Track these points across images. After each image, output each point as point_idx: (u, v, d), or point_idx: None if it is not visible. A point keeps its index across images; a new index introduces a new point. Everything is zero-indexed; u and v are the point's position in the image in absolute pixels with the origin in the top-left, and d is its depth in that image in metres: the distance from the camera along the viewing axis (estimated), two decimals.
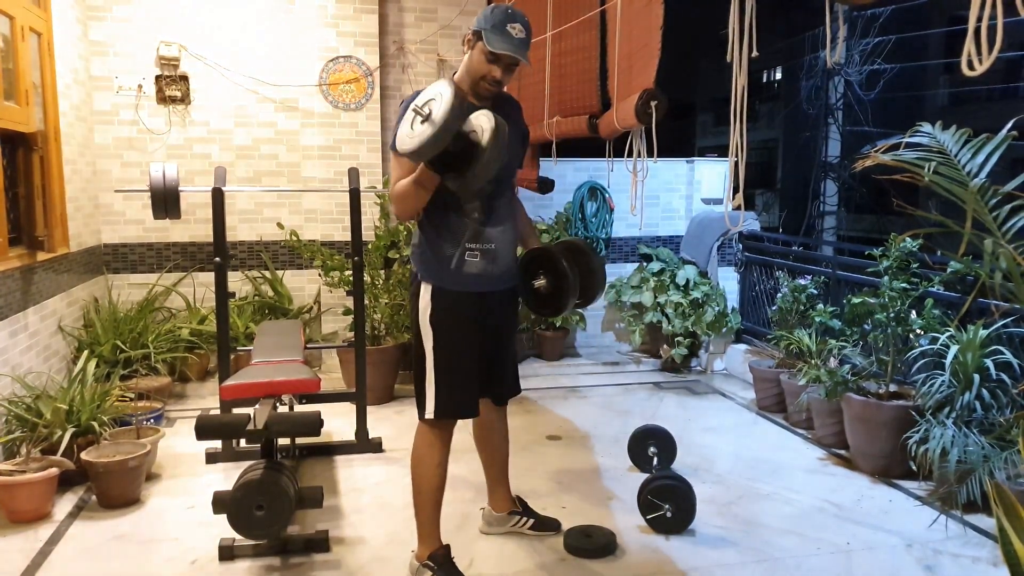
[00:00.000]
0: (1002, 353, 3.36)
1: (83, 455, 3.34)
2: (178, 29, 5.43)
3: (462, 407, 2.68)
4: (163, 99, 5.47)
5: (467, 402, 2.69)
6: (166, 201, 3.70)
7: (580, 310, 5.98)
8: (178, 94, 5.49)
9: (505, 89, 2.77)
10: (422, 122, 2.29)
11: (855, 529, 3.23)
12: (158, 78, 5.44)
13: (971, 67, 1.73)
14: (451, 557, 2.73)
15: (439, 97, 2.30)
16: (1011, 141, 2.28)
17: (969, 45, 1.72)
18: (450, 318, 2.63)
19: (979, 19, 1.71)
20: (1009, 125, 2.32)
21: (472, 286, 2.64)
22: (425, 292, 2.64)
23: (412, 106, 2.34)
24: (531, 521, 3.12)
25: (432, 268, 2.63)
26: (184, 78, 5.49)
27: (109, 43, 5.36)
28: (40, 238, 4.19)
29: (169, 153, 5.49)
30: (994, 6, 1.69)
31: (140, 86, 5.41)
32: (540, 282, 2.75)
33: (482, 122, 2.35)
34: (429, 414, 2.63)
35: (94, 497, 3.38)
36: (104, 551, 2.98)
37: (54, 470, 3.25)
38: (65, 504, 3.36)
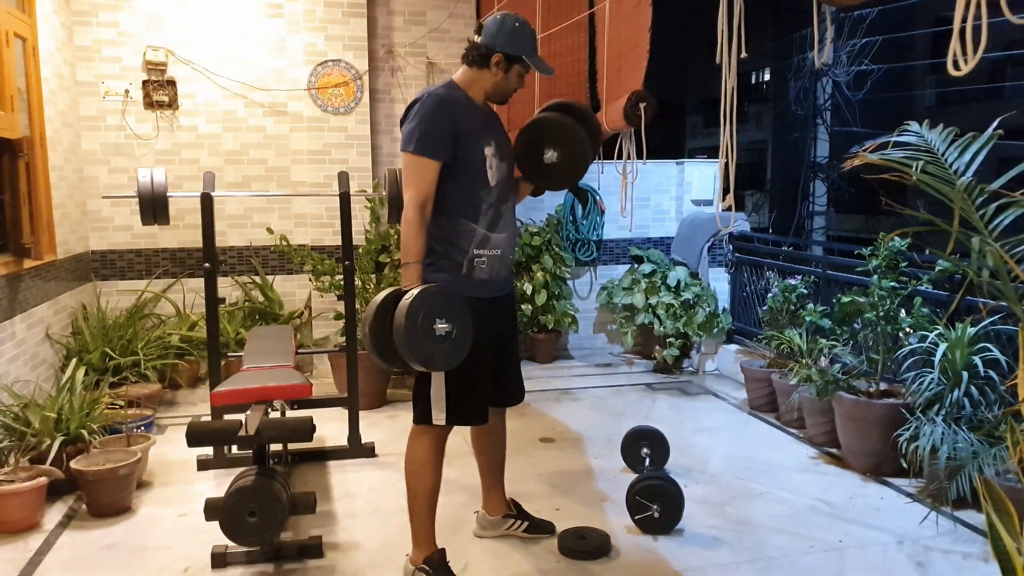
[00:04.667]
0: (990, 350, 3.39)
1: (73, 464, 3.31)
2: (165, 34, 5.41)
3: (473, 414, 2.69)
4: (150, 104, 5.45)
5: (477, 409, 2.70)
6: (154, 207, 3.68)
7: (572, 313, 5.99)
8: (166, 99, 5.46)
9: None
10: (442, 338, 2.37)
11: (847, 527, 3.24)
12: (145, 83, 5.42)
13: (956, 67, 1.75)
14: (446, 561, 2.73)
15: (464, 325, 2.42)
16: (997, 140, 2.29)
17: (954, 45, 1.74)
18: None
19: (964, 20, 1.72)
20: (995, 124, 2.34)
21: (482, 292, 2.66)
22: None
23: (433, 310, 2.35)
24: (525, 524, 3.12)
25: (441, 276, 2.62)
26: (172, 83, 5.46)
27: (95, 48, 5.33)
28: (27, 245, 4.16)
29: (157, 158, 5.47)
30: (978, 7, 1.70)
31: (127, 91, 5.39)
32: (550, 154, 2.77)
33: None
34: (439, 421, 2.63)
35: (84, 506, 3.36)
36: (95, 560, 2.96)
37: (43, 479, 3.22)
38: (55, 513, 3.33)
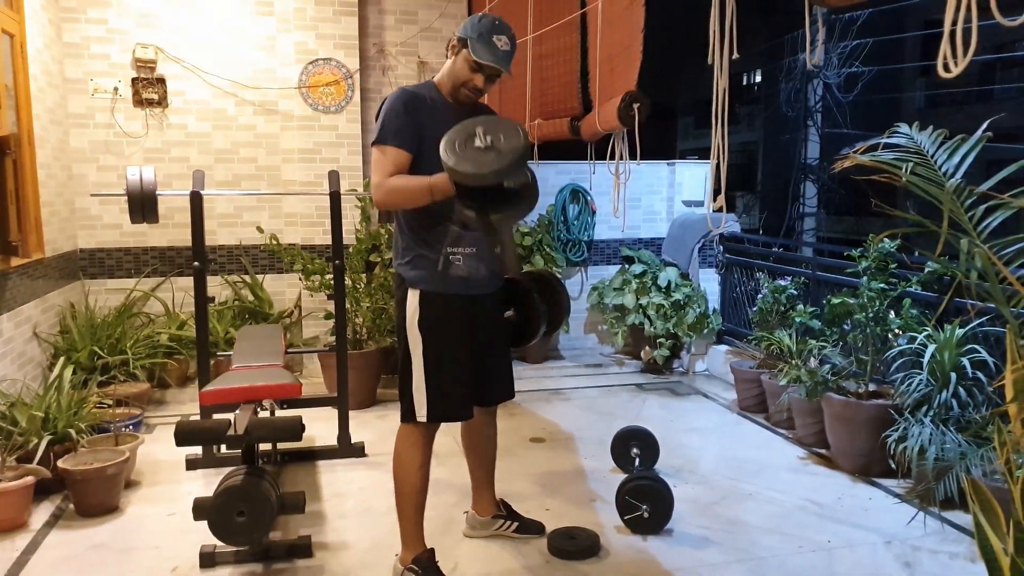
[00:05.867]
0: (978, 352, 3.41)
1: (60, 463, 3.29)
2: (155, 31, 5.38)
3: (453, 410, 2.68)
4: (140, 102, 5.41)
5: (458, 405, 2.68)
6: (143, 205, 3.66)
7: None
8: (155, 97, 5.43)
9: (485, 95, 2.78)
10: (484, 149, 2.30)
11: (836, 527, 3.25)
12: (134, 81, 5.39)
13: (946, 69, 1.76)
14: (435, 561, 2.72)
15: (509, 133, 2.34)
16: (986, 142, 2.30)
17: (944, 47, 1.75)
18: (439, 323, 2.62)
19: (954, 22, 1.73)
20: (984, 126, 2.35)
21: (460, 289, 2.64)
22: (413, 298, 2.62)
23: (470, 129, 2.34)
24: (515, 524, 3.11)
25: (419, 273, 2.62)
26: (161, 81, 5.43)
27: (84, 45, 5.29)
28: (14, 243, 4.13)
29: (146, 157, 5.43)
30: (968, 9, 1.71)
31: (116, 89, 5.35)
32: (509, 313, 2.83)
33: (528, 175, 2.43)
34: (421, 417, 2.62)
35: (71, 506, 3.33)
36: (82, 560, 2.94)
37: (30, 478, 3.19)
38: (42, 513, 3.30)
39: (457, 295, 2.63)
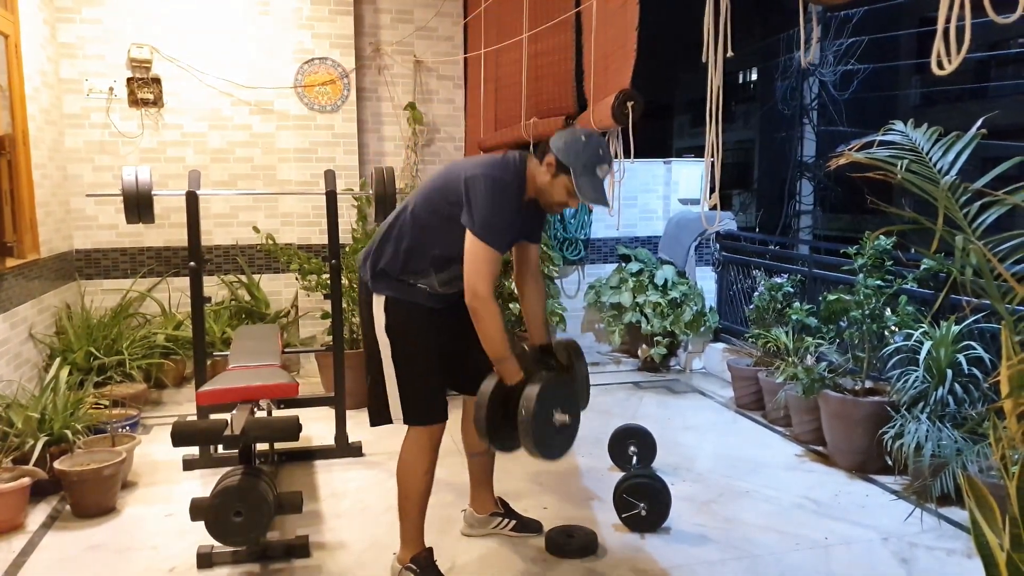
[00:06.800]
0: (973, 348, 3.42)
1: (56, 464, 3.28)
2: (150, 31, 5.37)
3: (430, 413, 2.66)
4: (135, 102, 5.40)
5: (434, 407, 2.67)
6: (139, 205, 3.65)
7: (560, 312, 6.00)
8: (151, 97, 5.42)
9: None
10: (558, 430, 2.46)
11: (833, 524, 3.26)
12: (130, 80, 5.37)
13: (940, 66, 1.76)
14: (433, 560, 2.72)
15: (577, 405, 2.57)
16: (980, 139, 2.31)
17: (938, 45, 1.75)
18: (406, 327, 2.62)
19: (948, 20, 1.73)
20: (978, 123, 2.35)
21: (425, 302, 2.65)
22: (378, 302, 2.63)
23: (549, 407, 2.42)
24: (513, 522, 3.11)
25: (384, 280, 2.63)
26: (157, 80, 5.42)
27: (79, 45, 5.28)
28: (9, 244, 4.12)
29: (142, 157, 5.42)
30: (962, 7, 1.72)
31: (111, 89, 5.34)
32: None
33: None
34: (397, 420, 2.65)
35: (68, 507, 3.33)
36: (79, 561, 2.93)
37: (26, 480, 3.19)
38: (38, 514, 3.29)
39: (421, 304, 2.64)
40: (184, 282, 4.98)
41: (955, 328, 3.45)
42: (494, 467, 3.12)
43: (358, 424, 4.40)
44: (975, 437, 3.17)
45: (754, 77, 21.60)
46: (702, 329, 5.65)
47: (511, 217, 2.52)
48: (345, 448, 4.01)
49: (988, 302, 2.26)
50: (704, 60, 2.62)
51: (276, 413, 3.70)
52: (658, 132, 22.35)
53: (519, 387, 2.46)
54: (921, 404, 3.43)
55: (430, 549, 2.74)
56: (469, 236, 2.44)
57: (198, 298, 3.77)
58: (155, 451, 3.99)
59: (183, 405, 4.85)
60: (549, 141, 2.54)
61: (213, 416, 3.34)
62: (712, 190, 2.83)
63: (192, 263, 3.74)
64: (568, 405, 2.48)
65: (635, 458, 3.64)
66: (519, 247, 2.80)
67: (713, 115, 2.68)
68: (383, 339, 2.63)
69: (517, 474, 3.76)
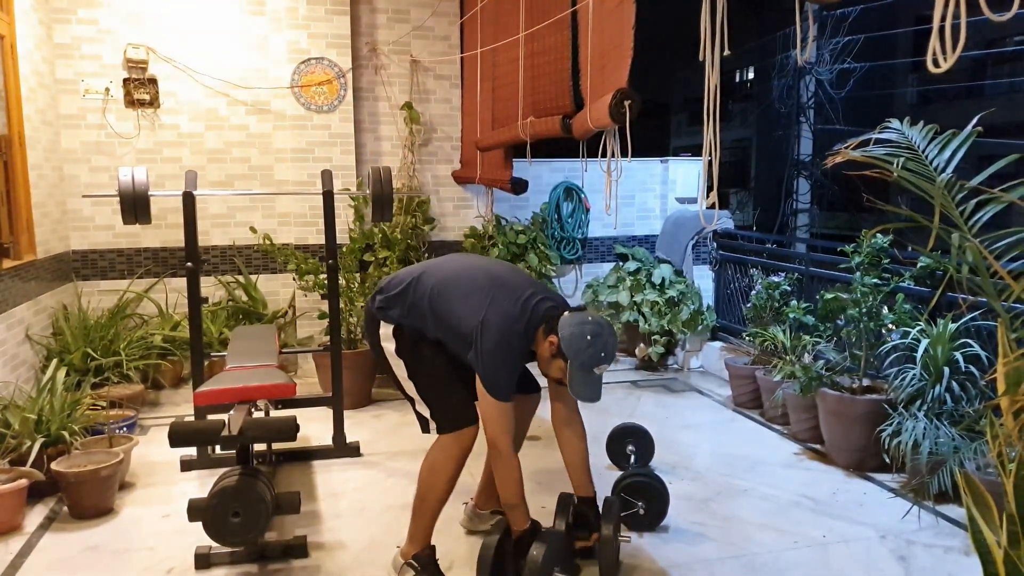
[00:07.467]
0: (970, 346, 3.42)
1: (53, 465, 3.28)
2: (146, 31, 5.36)
3: (456, 419, 2.69)
4: (131, 102, 5.39)
5: (459, 412, 2.70)
6: (136, 206, 3.64)
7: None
8: (147, 97, 5.41)
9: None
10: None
11: (831, 522, 3.27)
12: (126, 81, 5.36)
13: (936, 64, 1.76)
14: (435, 559, 2.74)
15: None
16: (976, 137, 2.31)
17: (934, 43, 1.75)
18: (415, 346, 2.73)
19: (943, 18, 1.74)
20: (974, 121, 2.36)
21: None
22: (386, 328, 2.75)
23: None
24: None
25: (392, 312, 2.73)
26: (153, 81, 5.41)
27: (74, 46, 5.27)
28: (5, 245, 4.12)
29: (139, 157, 5.41)
30: (958, 5, 1.72)
31: (107, 89, 5.33)
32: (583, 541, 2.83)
33: None
34: (433, 431, 2.73)
35: (66, 508, 3.32)
36: (77, 562, 2.93)
37: (23, 481, 3.18)
38: (36, 516, 3.29)
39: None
40: (181, 283, 4.98)
41: (952, 326, 3.46)
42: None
43: (356, 424, 4.41)
44: (972, 434, 3.17)
45: (751, 75, 21.60)
46: (700, 328, 5.65)
47: (517, 364, 2.67)
48: (343, 448, 4.00)
49: (985, 299, 2.27)
50: (701, 59, 2.62)
51: (274, 413, 3.70)
52: (655, 131, 22.33)
53: (526, 535, 2.61)
54: (918, 402, 3.43)
55: (434, 547, 2.75)
56: (482, 392, 2.57)
57: (195, 298, 3.76)
58: (152, 452, 3.99)
59: (180, 406, 4.85)
60: (560, 320, 2.59)
61: (211, 417, 3.34)
62: (709, 189, 2.83)
63: (189, 263, 3.74)
64: (569, 567, 2.67)
65: (633, 457, 3.64)
66: (552, 388, 2.84)
67: (710, 114, 2.68)
68: (396, 361, 2.74)
69: None
